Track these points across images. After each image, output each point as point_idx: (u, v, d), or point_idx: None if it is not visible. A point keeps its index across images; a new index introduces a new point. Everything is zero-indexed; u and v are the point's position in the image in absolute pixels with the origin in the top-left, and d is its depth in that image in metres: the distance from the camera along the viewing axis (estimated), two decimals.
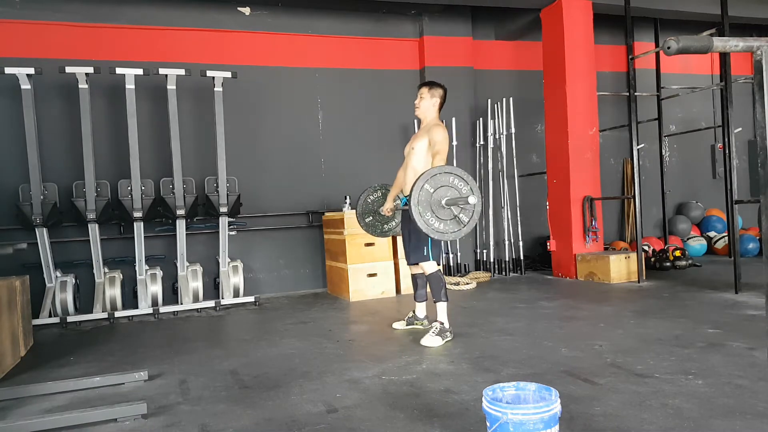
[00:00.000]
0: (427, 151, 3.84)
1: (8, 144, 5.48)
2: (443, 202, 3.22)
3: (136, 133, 5.36)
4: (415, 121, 6.58)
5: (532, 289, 5.83)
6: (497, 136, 7.06)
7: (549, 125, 6.61)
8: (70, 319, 5.01)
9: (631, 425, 2.18)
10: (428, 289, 4.13)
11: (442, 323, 3.73)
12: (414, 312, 4.21)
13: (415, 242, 3.86)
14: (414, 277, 4.18)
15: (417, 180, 3.19)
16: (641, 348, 3.28)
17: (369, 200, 4.42)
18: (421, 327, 4.14)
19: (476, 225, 7.18)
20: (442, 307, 3.78)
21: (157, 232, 5.87)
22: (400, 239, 5.86)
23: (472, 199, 3.16)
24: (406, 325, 4.22)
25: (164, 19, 6.10)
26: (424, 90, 3.96)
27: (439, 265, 3.90)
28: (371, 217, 4.45)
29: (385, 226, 4.49)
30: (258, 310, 5.41)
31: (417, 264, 4.03)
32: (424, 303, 4.18)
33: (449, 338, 3.71)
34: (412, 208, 3.15)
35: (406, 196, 3.93)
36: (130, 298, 5.51)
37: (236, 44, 6.36)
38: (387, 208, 4.19)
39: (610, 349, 3.29)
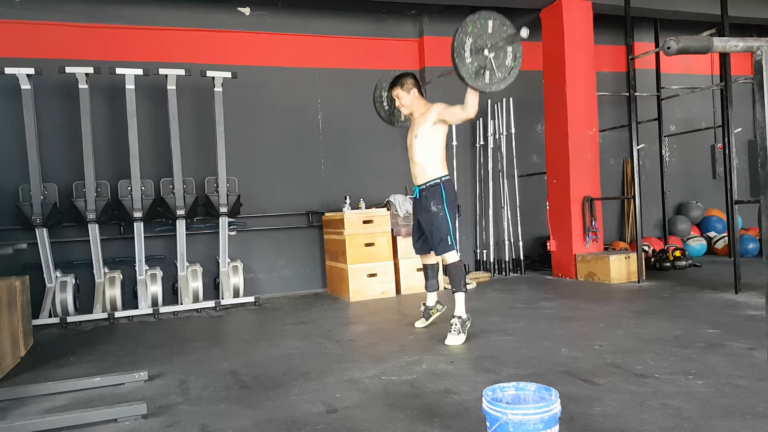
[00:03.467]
0: (432, 128, 3.78)
1: (8, 144, 5.48)
2: (486, 50, 3.29)
3: (136, 133, 5.36)
4: None
5: (532, 289, 5.83)
6: (497, 137, 7.06)
7: (549, 125, 6.61)
8: (70, 319, 5.01)
9: (631, 425, 2.18)
10: (437, 281, 4.14)
11: (460, 317, 3.71)
12: (425, 304, 4.21)
13: (436, 233, 3.79)
14: (425, 267, 4.16)
15: (474, 15, 3.27)
16: (641, 348, 3.28)
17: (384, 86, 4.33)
18: (437, 313, 4.15)
19: (476, 225, 7.21)
20: (460, 298, 3.76)
21: (157, 232, 5.87)
22: (399, 239, 5.88)
23: (524, 32, 3.17)
24: (426, 320, 4.20)
25: (164, 19, 6.10)
26: (397, 90, 3.92)
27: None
28: (388, 104, 4.35)
29: (400, 119, 4.38)
30: (258, 311, 5.41)
31: (429, 253, 4.02)
32: (435, 294, 4.17)
33: (469, 325, 3.72)
34: (455, 57, 3.19)
35: (417, 186, 3.90)
36: (130, 298, 5.51)
37: (236, 44, 6.36)
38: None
39: (610, 349, 3.29)
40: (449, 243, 3.79)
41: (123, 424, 2.50)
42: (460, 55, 3.25)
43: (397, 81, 3.94)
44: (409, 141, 3.96)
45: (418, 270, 5.77)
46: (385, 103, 4.37)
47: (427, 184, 3.83)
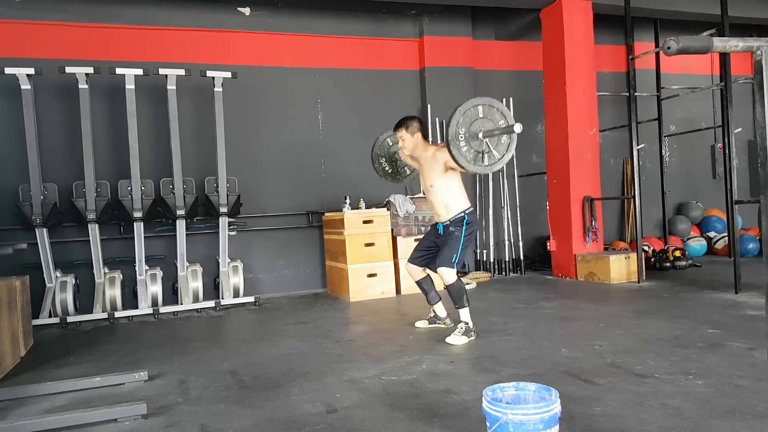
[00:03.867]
0: (443, 171, 3.83)
1: (8, 144, 5.48)
2: (480, 134, 3.32)
3: (136, 133, 5.36)
4: None
5: (532, 289, 5.83)
6: None
7: (549, 125, 6.61)
8: (70, 319, 5.01)
9: (631, 425, 2.18)
10: (436, 291, 4.14)
11: (466, 323, 3.77)
12: (435, 312, 4.21)
13: (445, 250, 3.82)
14: (419, 283, 4.16)
15: (462, 104, 3.30)
16: (641, 348, 3.28)
17: (389, 143, 4.44)
18: (443, 326, 4.14)
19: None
20: (465, 312, 3.80)
21: (157, 232, 5.87)
22: (399, 239, 5.88)
23: (517, 128, 3.23)
24: (429, 324, 4.21)
25: (164, 19, 6.10)
26: (402, 131, 3.98)
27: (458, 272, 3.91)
28: (385, 160, 4.50)
29: (404, 169, 4.52)
30: (258, 311, 5.41)
31: (421, 268, 4.06)
32: (440, 302, 4.18)
33: (473, 337, 3.74)
34: (450, 128, 3.23)
35: (441, 223, 3.92)
36: (130, 298, 5.51)
37: (236, 44, 6.36)
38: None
39: (610, 349, 3.29)
40: (452, 261, 3.80)
41: (123, 424, 2.50)
42: (456, 145, 3.30)
43: (402, 123, 4.00)
44: (425, 188, 4.03)
45: None
46: (383, 160, 4.54)
47: (451, 220, 3.87)
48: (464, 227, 3.81)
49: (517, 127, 3.22)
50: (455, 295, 3.79)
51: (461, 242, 3.79)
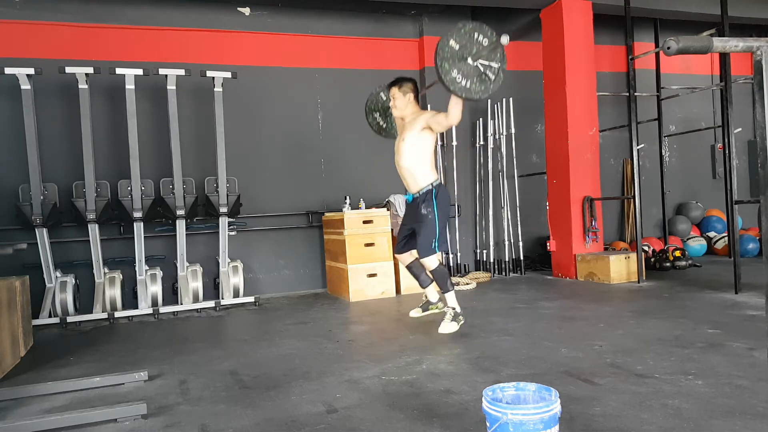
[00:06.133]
0: (420, 134, 3.80)
1: (8, 144, 5.48)
2: (469, 58, 3.27)
3: (136, 133, 5.36)
4: None
5: (532, 289, 5.83)
6: (497, 137, 7.06)
7: (549, 125, 6.61)
8: (70, 319, 5.01)
9: (631, 425, 2.18)
10: (426, 274, 4.13)
11: (453, 308, 3.80)
12: (427, 297, 4.21)
13: (424, 235, 3.81)
14: (409, 267, 4.16)
15: (443, 38, 3.24)
16: (641, 348, 3.28)
17: (383, 97, 4.43)
18: (437, 311, 4.15)
19: (476, 225, 7.21)
20: (450, 296, 3.83)
21: (157, 233, 5.87)
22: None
23: (504, 39, 3.18)
24: (422, 311, 4.21)
25: (164, 19, 6.10)
26: (395, 90, 3.97)
27: (440, 257, 3.90)
28: (379, 114, 4.49)
29: (389, 130, 4.50)
30: (258, 311, 5.41)
31: (407, 252, 4.06)
32: (432, 286, 4.18)
33: (462, 321, 3.78)
34: (437, 63, 3.18)
35: (412, 194, 3.92)
36: (130, 298, 5.51)
37: (236, 44, 6.36)
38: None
39: (610, 349, 3.29)
40: (431, 247, 3.81)
41: (123, 424, 2.50)
42: (444, 69, 3.27)
43: (396, 81, 4.00)
44: (397, 145, 4.01)
45: None
46: (377, 114, 4.50)
47: (421, 192, 3.85)
48: (434, 203, 3.78)
49: (504, 39, 3.17)
50: (440, 280, 3.84)
51: (436, 223, 3.77)
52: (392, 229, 5.89)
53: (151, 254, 5.78)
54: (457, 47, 3.28)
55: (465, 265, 7.06)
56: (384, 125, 4.52)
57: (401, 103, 3.96)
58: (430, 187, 3.82)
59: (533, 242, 7.40)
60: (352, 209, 5.82)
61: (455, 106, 3.54)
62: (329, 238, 6.20)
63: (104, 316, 5.10)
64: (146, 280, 5.41)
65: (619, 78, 7.90)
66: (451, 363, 3.20)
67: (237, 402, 2.71)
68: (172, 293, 5.72)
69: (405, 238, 4.07)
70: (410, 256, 4.10)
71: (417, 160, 3.83)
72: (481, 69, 3.33)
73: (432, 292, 4.19)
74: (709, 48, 1.50)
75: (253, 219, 6.35)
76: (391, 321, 4.58)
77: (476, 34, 3.34)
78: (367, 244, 5.73)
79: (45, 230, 5.15)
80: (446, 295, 3.84)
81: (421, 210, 3.82)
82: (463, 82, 3.30)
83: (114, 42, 5.89)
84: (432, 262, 3.82)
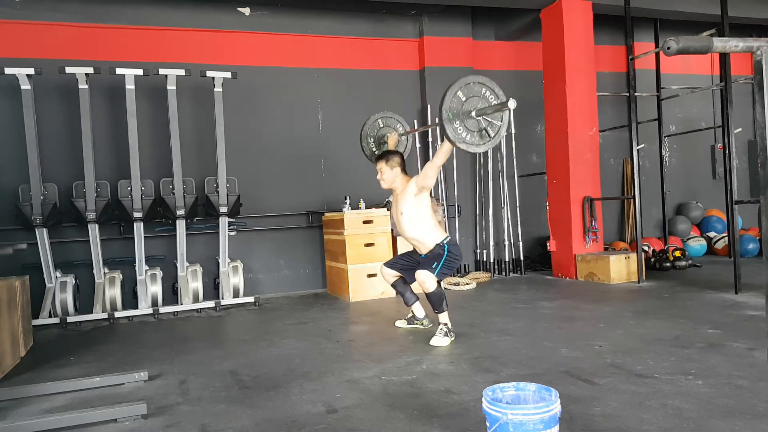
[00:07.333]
0: (415, 199, 3.85)
1: (8, 144, 5.48)
2: (473, 112, 3.29)
3: (136, 133, 5.36)
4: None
5: (532, 289, 5.83)
6: None
7: (549, 125, 6.61)
8: (70, 319, 5.01)
9: (631, 425, 2.18)
10: (411, 292, 4.14)
11: (446, 324, 3.77)
12: (413, 312, 4.21)
13: (428, 263, 3.81)
14: (394, 285, 4.16)
15: (450, 87, 3.27)
16: (641, 348, 3.28)
17: (380, 124, 4.51)
18: (421, 327, 4.14)
19: (476, 225, 7.21)
20: (444, 315, 3.80)
21: (157, 233, 5.87)
22: (399, 239, 5.88)
23: (511, 103, 3.18)
24: (407, 324, 4.24)
25: (164, 19, 6.10)
26: (382, 164, 4.01)
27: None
28: (372, 141, 4.58)
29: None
30: (258, 311, 5.41)
31: (396, 273, 4.08)
32: (418, 303, 4.18)
33: (452, 338, 3.75)
34: (442, 114, 3.21)
35: (423, 254, 3.92)
36: (130, 298, 5.51)
37: (236, 44, 6.36)
38: (392, 143, 4.41)
39: (610, 349, 3.29)
40: (433, 266, 3.76)
41: (123, 424, 2.50)
42: (448, 117, 3.28)
43: (383, 156, 4.06)
44: (396, 218, 4.04)
45: None
46: (371, 140, 4.60)
47: (432, 252, 3.86)
48: (442, 262, 3.78)
49: (511, 103, 3.17)
50: (436, 302, 3.77)
51: (443, 260, 3.78)
52: (392, 229, 5.89)
53: (151, 254, 5.78)
54: (464, 99, 3.31)
55: (465, 265, 7.06)
56: (377, 152, 4.59)
57: (389, 176, 4.01)
58: (441, 248, 3.82)
59: (533, 242, 7.40)
60: (352, 209, 5.82)
61: (446, 153, 3.62)
62: (329, 238, 6.20)
63: (104, 316, 5.10)
64: (146, 280, 5.41)
65: (619, 78, 7.90)
66: (451, 363, 3.20)
67: (237, 402, 2.71)
68: (172, 293, 5.72)
69: (404, 262, 4.10)
70: (395, 275, 4.12)
71: (420, 227, 3.88)
72: (483, 125, 3.35)
73: (418, 308, 4.18)
74: (709, 48, 1.50)
75: (253, 219, 6.35)
76: (391, 321, 4.58)
77: (484, 90, 3.37)
78: (367, 244, 5.73)
79: (45, 230, 5.15)
80: (440, 315, 3.80)
81: (430, 261, 3.83)
82: (464, 134, 3.33)
83: (114, 42, 5.89)
84: (431, 282, 3.73)
